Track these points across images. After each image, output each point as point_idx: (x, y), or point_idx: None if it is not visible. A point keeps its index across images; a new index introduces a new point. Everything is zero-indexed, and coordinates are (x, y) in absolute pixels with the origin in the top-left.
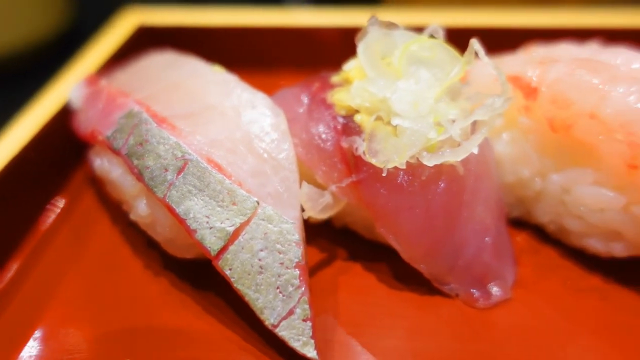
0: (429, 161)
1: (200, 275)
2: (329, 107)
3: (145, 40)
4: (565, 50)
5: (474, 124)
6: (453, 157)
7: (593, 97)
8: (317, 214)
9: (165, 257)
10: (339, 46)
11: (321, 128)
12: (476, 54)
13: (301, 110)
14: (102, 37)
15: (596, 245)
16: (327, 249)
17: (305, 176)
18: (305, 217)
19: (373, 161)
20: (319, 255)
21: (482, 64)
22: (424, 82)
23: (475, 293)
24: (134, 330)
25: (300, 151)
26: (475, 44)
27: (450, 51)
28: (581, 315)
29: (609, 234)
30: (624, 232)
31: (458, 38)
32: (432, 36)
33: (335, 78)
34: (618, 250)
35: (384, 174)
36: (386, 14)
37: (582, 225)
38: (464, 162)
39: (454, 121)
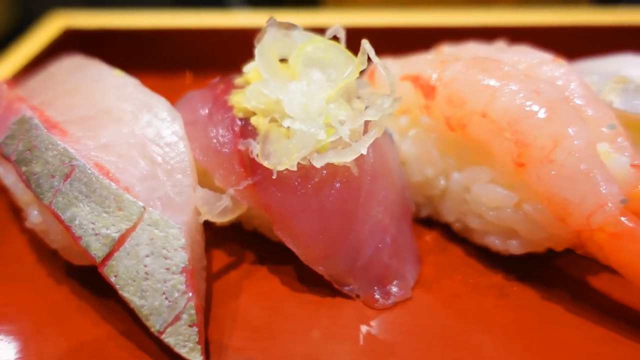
0: (317, 162)
1: (101, 282)
2: (229, 109)
3: (72, 43)
4: (470, 49)
5: (367, 124)
6: (340, 158)
7: (484, 96)
8: (216, 218)
9: (69, 264)
10: None
11: (220, 131)
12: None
13: (203, 113)
14: (26, 40)
15: (495, 243)
16: (236, 253)
17: (209, 180)
18: (201, 220)
19: (265, 163)
20: (226, 259)
21: (389, 64)
22: (316, 84)
23: (376, 293)
24: (29, 339)
25: (198, 154)
26: (365, 44)
27: (345, 52)
28: (478, 313)
29: (505, 231)
30: (518, 229)
31: (395, 37)
32: (335, 37)
33: (238, 80)
34: (514, 247)
35: (273, 176)
36: (324, 15)
37: (482, 223)
38: (360, 163)
39: (344, 122)
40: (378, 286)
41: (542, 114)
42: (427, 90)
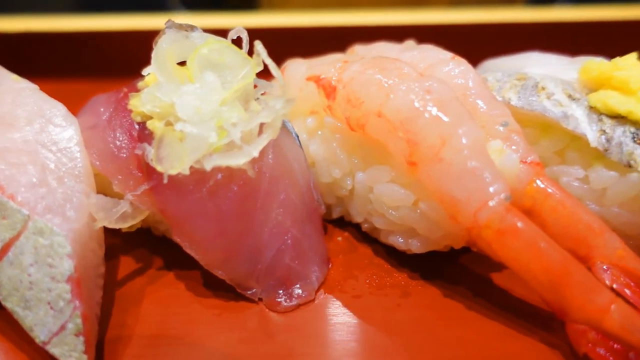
0: (207, 165)
1: None
2: (129, 113)
3: None
4: (379, 48)
5: (262, 126)
6: (230, 160)
7: (379, 96)
8: (114, 224)
9: None
10: None
11: (117, 135)
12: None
13: (104, 117)
14: None
15: (399, 242)
16: (144, 258)
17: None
18: (96, 227)
19: (158, 168)
20: (134, 265)
21: (296, 64)
22: (209, 86)
23: (278, 296)
24: None
25: (96, 160)
26: (258, 45)
27: (240, 53)
28: (379, 314)
29: (406, 230)
30: (417, 229)
31: (331, 37)
32: (239, 38)
33: (140, 83)
34: (416, 246)
35: (164, 181)
36: (261, 17)
37: (386, 222)
38: (258, 165)
39: (236, 125)
40: (281, 289)
41: (431, 112)
42: (329, 90)
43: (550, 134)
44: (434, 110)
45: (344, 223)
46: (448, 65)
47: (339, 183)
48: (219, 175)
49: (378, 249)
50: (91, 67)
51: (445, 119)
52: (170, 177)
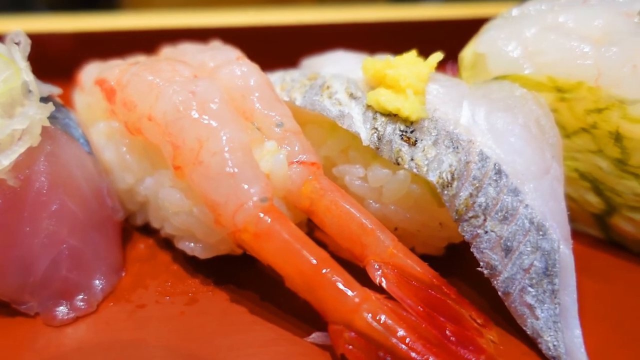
0: None
1: None
2: None
3: None
4: (182, 49)
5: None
6: None
7: (150, 98)
8: None
9: None
10: (70, 52)
11: None
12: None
13: None
14: None
15: (186, 248)
16: None
17: None
18: None
19: None
20: None
21: (91, 67)
22: None
23: (56, 309)
24: None
25: None
26: (14, 50)
27: (3, 59)
28: (158, 323)
29: (191, 235)
30: (196, 234)
31: (193, 38)
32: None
33: None
34: (198, 251)
35: None
36: (125, 18)
37: (172, 228)
38: (25, 175)
39: None
40: (60, 301)
41: (192, 115)
42: (110, 94)
43: (336, 133)
44: (194, 113)
45: (151, 230)
46: (231, 66)
47: (134, 189)
48: None
49: (177, 256)
50: None
51: (206, 121)
52: None
